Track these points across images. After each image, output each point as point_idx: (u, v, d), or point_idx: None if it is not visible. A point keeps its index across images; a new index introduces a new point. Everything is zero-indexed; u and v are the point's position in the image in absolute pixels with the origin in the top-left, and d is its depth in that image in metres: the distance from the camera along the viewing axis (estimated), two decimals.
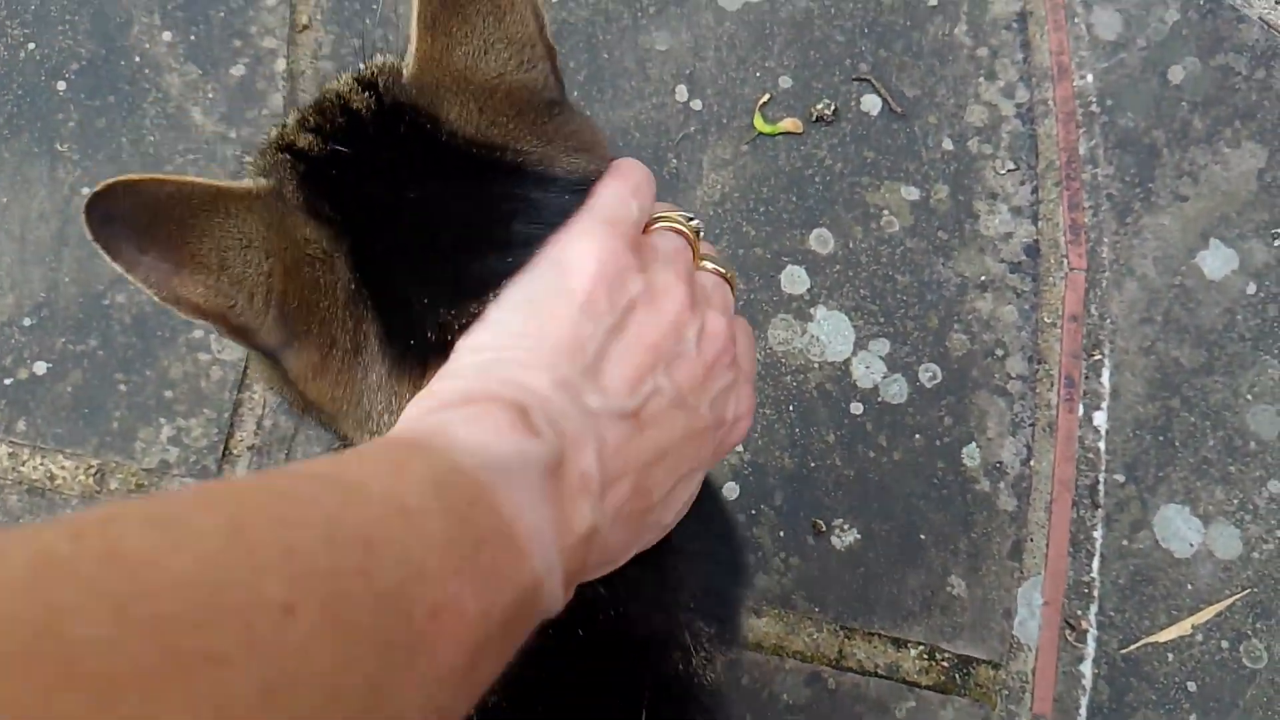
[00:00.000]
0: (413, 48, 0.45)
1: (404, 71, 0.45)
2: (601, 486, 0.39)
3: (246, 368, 1.04)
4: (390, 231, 0.43)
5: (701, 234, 0.48)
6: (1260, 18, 1.16)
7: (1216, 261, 1.10)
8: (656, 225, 0.46)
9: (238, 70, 1.11)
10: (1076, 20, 1.15)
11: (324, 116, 0.45)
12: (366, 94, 0.45)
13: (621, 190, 0.44)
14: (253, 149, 0.46)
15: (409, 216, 0.43)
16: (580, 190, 0.44)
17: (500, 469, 0.35)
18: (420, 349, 0.43)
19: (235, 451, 1.02)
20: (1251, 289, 1.09)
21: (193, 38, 1.12)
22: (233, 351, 1.04)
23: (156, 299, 0.40)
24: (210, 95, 1.11)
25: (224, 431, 1.02)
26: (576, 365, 0.40)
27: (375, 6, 1.13)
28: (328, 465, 0.34)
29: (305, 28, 1.12)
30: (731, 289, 0.47)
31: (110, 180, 0.38)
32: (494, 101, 0.45)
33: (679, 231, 0.45)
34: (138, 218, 0.38)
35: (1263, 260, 1.09)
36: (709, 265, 0.47)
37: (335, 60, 1.12)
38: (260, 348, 0.44)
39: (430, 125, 0.44)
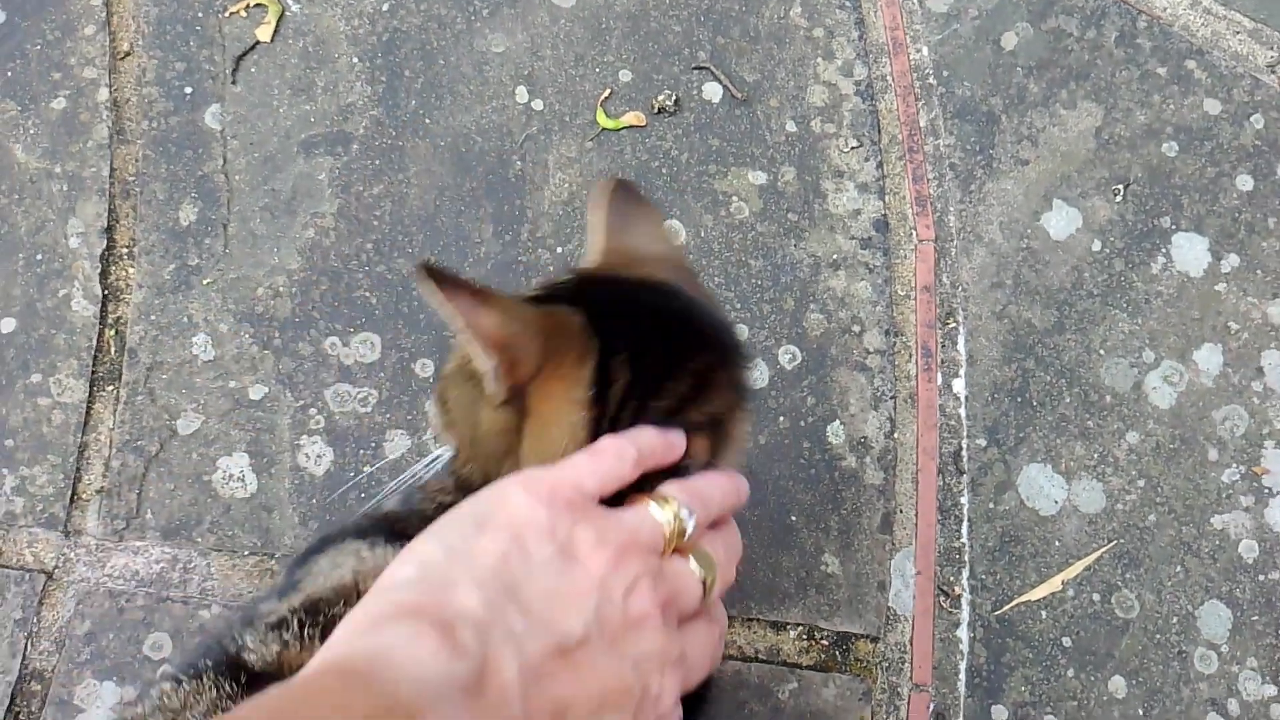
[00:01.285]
0: (598, 247, 0.65)
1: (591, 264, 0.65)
2: (523, 705, 0.43)
3: (89, 408, 1.00)
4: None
5: (689, 533, 0.52)
6: None
7: (1060, 222, 1.11)
8: (640, 503, 0.52)
9: (58, 103, 1.08)
10: None
11: (551, 286, 0.62)
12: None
13: (583, 460, 0.52)
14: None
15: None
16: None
17: (432, 696, 0.39)
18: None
19: (84, 496, 0.99)
20: (1097, 246, 1.11)
21: (9, 73, 1.08)
22: (73, 394, 1.00)
23: (461, 322, 0.53)
24: (32, 131, 1.07)
25: (70, 477, 0.99)
26: (504, 590, 0.45)
27: (199, 28, 1.10)
28: (275, 707, 0.39)
29: (127, 54, 1.09)
30: (707, 590, 0.53)
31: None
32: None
33: (653, 517, 0.51)
34: (459, 277, 0.54)
35: (1105, 217, 1.12)
36: (689, 562, 0.52)
37: (161, 85, 1.09)
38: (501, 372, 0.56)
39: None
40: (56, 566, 0.97)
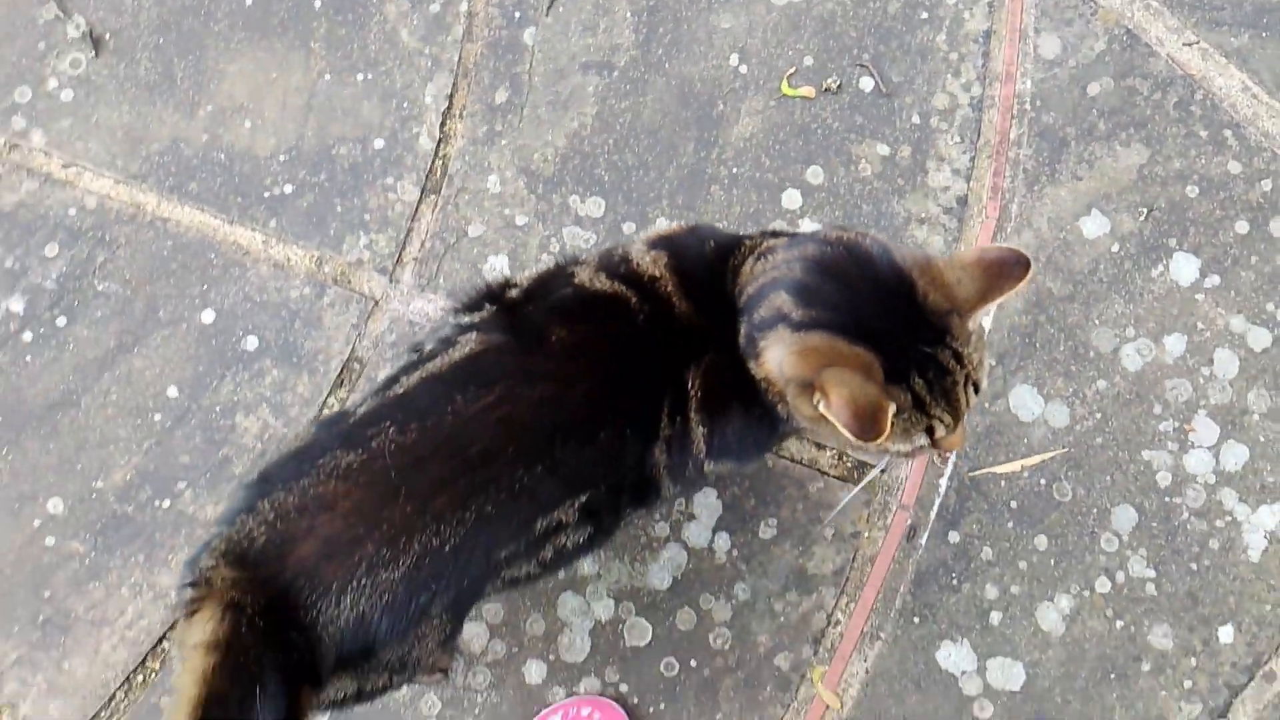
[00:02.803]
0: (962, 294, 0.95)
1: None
2: None
3: (418, 207, 1.57)
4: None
5: None
6: (1168, 55, 1.59)
7: (1094, 226, 1.54)
8: None
9: (434, 8, 1.63)
10: (1027, 41, 1.60)
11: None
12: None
13: None
14: None
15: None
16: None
17: None
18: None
19: (405, 260, 1.56)
20: (1115, 248, 1.53)
21: None
22: (409, 195, 1.57)
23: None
24: (414, 22, 1.63)
25: (399, 246, 1.56)
26: None
27: None
28: None
29: None
30: None
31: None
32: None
33: None
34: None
35: (1128, 229, 1.54)
36: None
37: (500, 7, 1.63)
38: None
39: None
40: (381, 298, 1.55)
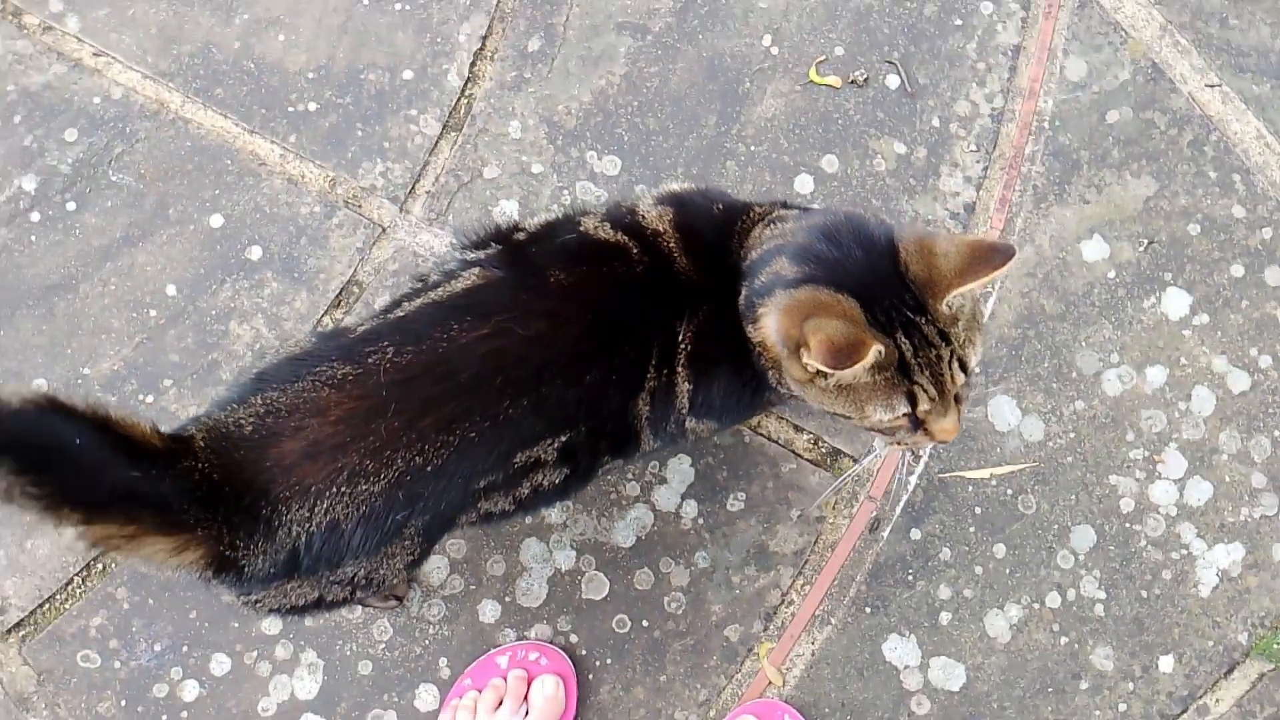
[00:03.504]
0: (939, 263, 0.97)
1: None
2: None
3: (437, 141, 1.59)
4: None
5: None
6: (1189, 93, 1.61)
7: (1094, 250, 1.57)
8: None
9: None
10: (1055, 61, 1.62)
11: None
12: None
13: None
14: None
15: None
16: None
17: None
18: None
19: (418, 192, 1.58)
20: (1112, 274, 1.56)
21: None
22: (430, 129, 1.59)
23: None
24: None
25: (414, 177, 1.58)
26: None
27: None
28: None
29: None
30: None
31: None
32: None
33: None
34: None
35: (1127, 257, 1.56)
36: None
37: None
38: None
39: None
40: (389, 226, 1.57)
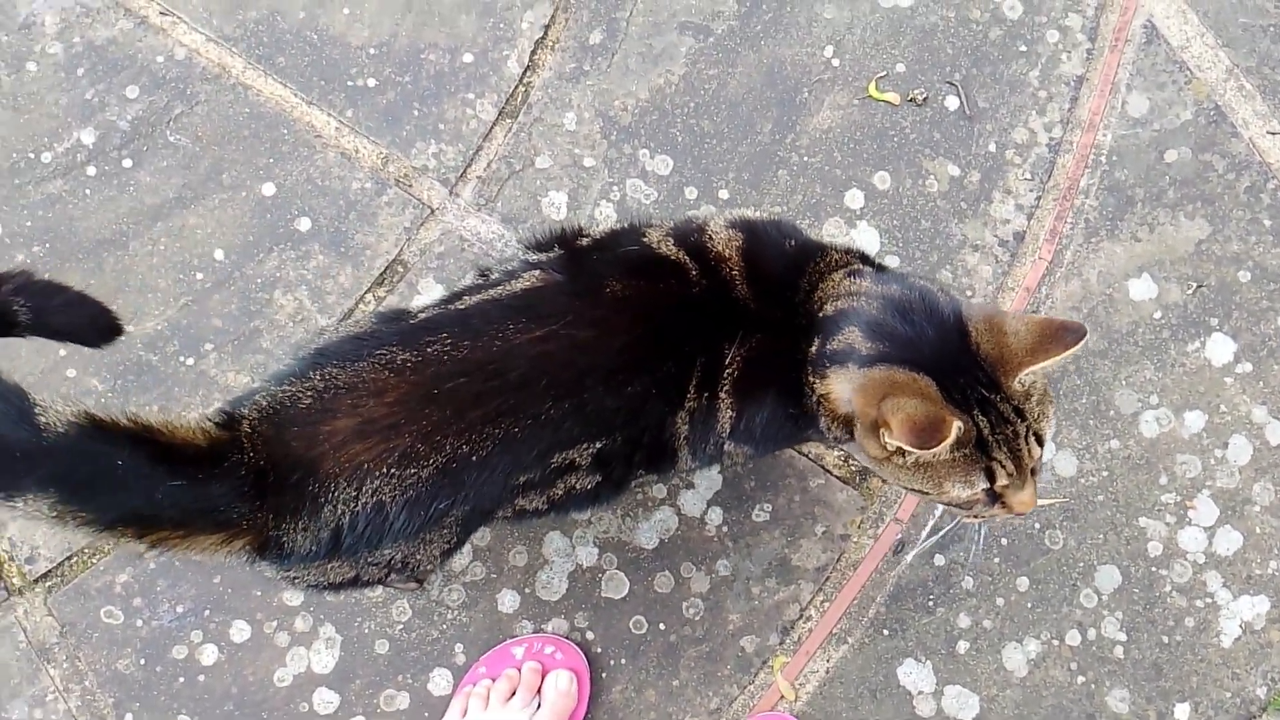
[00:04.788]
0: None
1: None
2: None
3: (492, 127, 1.59)
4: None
5: None
6: (1250, 139, 1.60)
7: (1141, 288, 1.56)
8: None
9: None
10: (1117, 95, 1.60)
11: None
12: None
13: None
14: None
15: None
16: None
17: None
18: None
19: (469, 176, 1.58)
20: (1158, 315, 1.55)
21: None
22: (487, 114, 1.59)
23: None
24: None
25: (466, 161, 1.58)
26: None
27: None
28: None
29: None
30: None
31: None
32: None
33: None
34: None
35: (1174, 299, 1.55)
36: None
37: None
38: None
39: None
40: (438, 208, 1.57)
